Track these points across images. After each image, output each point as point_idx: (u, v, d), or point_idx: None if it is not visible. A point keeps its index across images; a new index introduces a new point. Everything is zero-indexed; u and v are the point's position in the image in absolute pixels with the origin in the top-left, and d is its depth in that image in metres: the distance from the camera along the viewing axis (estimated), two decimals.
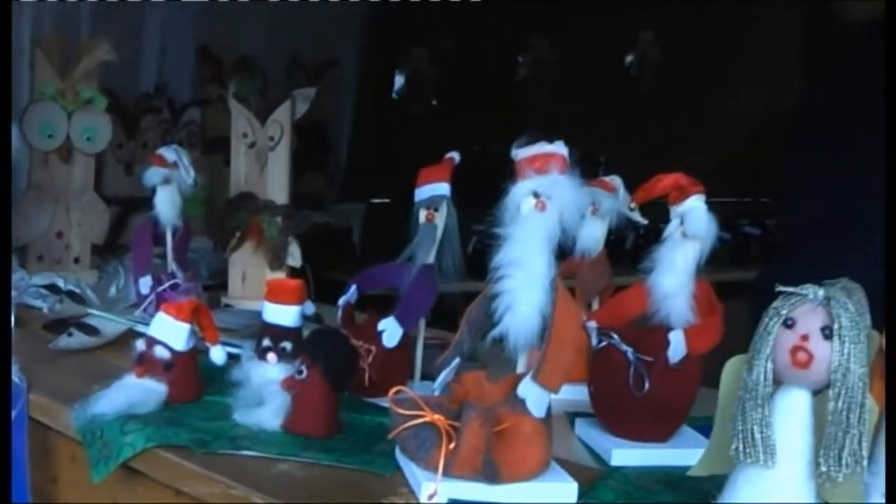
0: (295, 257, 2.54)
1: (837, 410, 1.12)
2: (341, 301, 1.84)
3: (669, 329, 1.56)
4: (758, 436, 1.14)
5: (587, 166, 4.72)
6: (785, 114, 3.40)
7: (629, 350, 1.57)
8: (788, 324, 1.14)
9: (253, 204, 2.55)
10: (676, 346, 1.54)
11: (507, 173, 3.04)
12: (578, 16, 4.83)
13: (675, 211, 1.61)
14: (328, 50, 3.98)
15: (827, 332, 1.13)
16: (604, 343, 1.61)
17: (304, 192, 3.34)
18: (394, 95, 4.76)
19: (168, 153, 2.24)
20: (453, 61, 4.72)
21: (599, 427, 1.64)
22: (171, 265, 2.27)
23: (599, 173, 5.32)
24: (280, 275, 2.48)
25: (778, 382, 1.16)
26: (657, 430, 1.59)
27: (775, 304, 1.15)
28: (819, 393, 1.16)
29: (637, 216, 1.99)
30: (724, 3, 4.82)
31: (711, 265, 4.45)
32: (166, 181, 2.23)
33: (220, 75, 3.37)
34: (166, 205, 2.24)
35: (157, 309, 2.11)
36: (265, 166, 2.55)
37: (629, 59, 5.23)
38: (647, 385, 1.55)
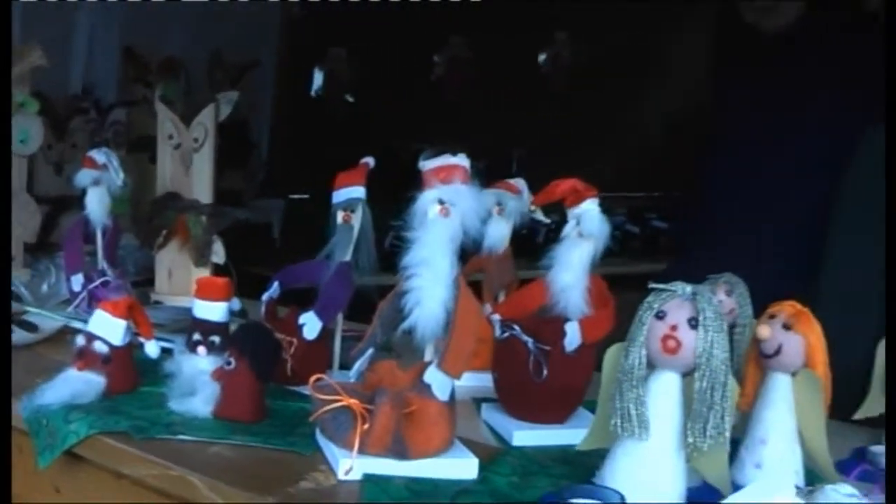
0: (219, 254, 2.65)
1: (702, 390, 1.29)
2: (264, 297, 1.96)
3: (566, 320, 1.70)
4: (633, 413, 1.31)
5: (503, 161, 4.86)
6: (695, 114, 3.58)
7: (529, 340, 1.72)
8: (660, 316, 1.31)
9: (178, 203, 2.64)
10: (572, 336, 1.69)
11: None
12: (494, 15, 4.91)
13: (572, 213, 1.76)
14: (249, 49, 4.04)
15: (693, 323, 1.30)
16: (507, 334, 1.75)
17: (225, 189, 3.44)
18: (312, 93, 4.86)
19: (98, 155, 2.34)
20: (370, 60, 4.79)
21: (503, 411, 1.78)
22: (102, 263, 2.36)
23: (513, 167, 5.46)
24: (205, 271, 2.58)
25: (651, 366, 1.33)
26: (555, 412, 1.74)
27: (648, 298, 1.32)
28: (687, 375, 1.33)
29: (540, 215, 2.14)
30: (637, 4, 4.97)
31: (622, 257, 4.67)
32: (96, 182, 2.32)
33: (145, 76, 3.46)
34: (96, 205, 2.34)
35: (88, 306, 2.22)
36: (190, 167, 2.66)
37: (542, 57, 5.36)
38: (545, 372, 1.70)
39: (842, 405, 1.77)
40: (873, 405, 1.84)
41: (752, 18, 3.17)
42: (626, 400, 1.31)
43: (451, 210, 1.50)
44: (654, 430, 1.31)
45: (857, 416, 1.87)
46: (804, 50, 3.06)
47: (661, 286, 1.32)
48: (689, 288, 1.32)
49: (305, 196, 4.46)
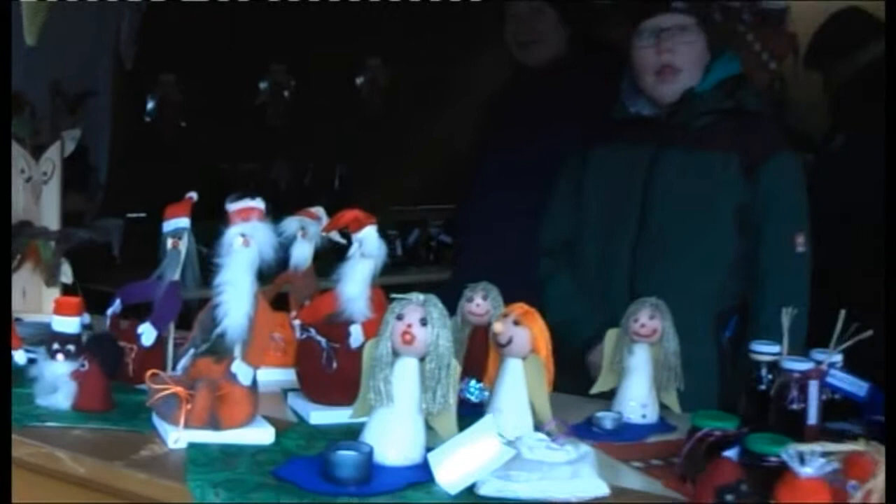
0: (67, 275, 3.03)
1: (432, 370, 1.81)
2: (109, 311, 2.39)
3: (351, 323, 2.17)
4: (382, 388, 1.81)
5: (326, 177, 5.27)
6: (474, 140, 3.99)
7: (322, 340, 2.19)
8: (399, 317, 1.81)
9: (30, 230, 2.99)
10: (356, 336, 2.16)
11: (249, 184, 3.72)
12: (314, 41, 5.25)
13: (356, 237, 2.23)
14: (86, 76, 4.25)
15: (423, 322, 1.80)
16: (305, 335, 2.22)
17: (68, 211, 3.71)
18: (146, 118, 5.11)
19: None
20: (199, 86, 5.05)
21: (304, 397, 2.25)
22: None
23: (336, 183, 5.85)
24: (55, 290, 2.97)
25: (395, 354, 1.83)
26: (343, 396, 2.13)
27: (392, 305, 1.82)
28: (422, 360, 1.83)
29: (336, 237, 2.57)
30: (440, 34, 5.30)
31: (414, 266, 5.10)
32: None
33: None
34: None
35: None
36: (40, 197, 3.04)
37: (359, 80, 5.67)
38: (335, 364, 2.17)
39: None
40: (605, 382, 2.38)
41: (518, 55, 3.58)
42: (377, 379, 1.81)
43: (251, 242, 1.97)
44: (398, 400, 1.82)
45: (593, 391, 2.40)
46: (554, 83, 3.45)
47: (402, 296, 1.83)
48: (421, 296, 1.83)
49: (142, 215, 4.72)
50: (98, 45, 4.47)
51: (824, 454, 1.52)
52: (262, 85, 5.45)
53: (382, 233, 2.74)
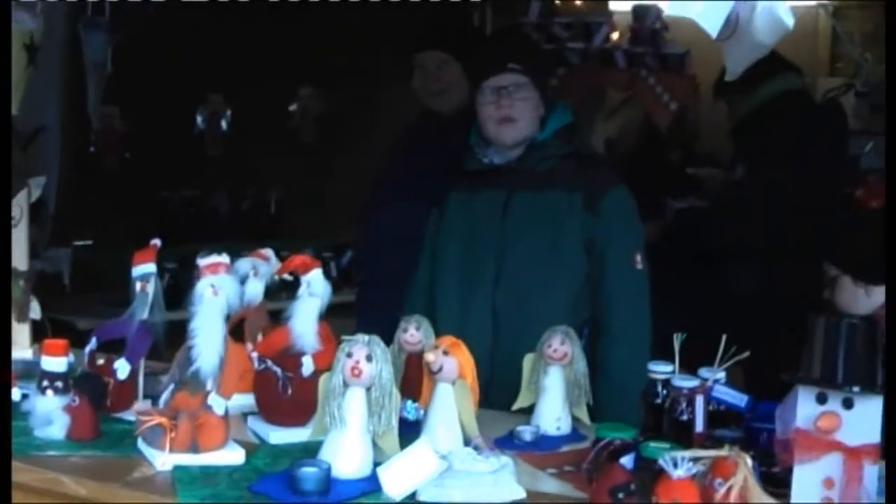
0: (35, 311, 3.30)
1: (376, 398, 2.16)
2: (87, 349, 2.67)
3: (303, 354, 2.49)
4: (336, 413, 2.16)
5: (262, 203, 5.54)
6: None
7: (278, 369, 2.51)
8: (349, 355, 2.16)
9: None
10: (307, 366, 2.49)
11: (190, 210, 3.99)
12: (250, 72, 5.50)
13: (303, 279, 2.55)
14: (38, 112, 4.30)
15: (369, 358, 2.16)
16: (262, 366, 2.54)
17: None
18: (91, 149, 5.20)
19: None
20: (141, 118, 5.24)
21: (263, 420, 2.57)
22: None
23: (272, 208, 6.08)
24: (25, 326, 3.23)
25: (346, 385, 2.18)
26: (298, 419, 2.49)
27: (342, 344, 2.17)
28: (369, 389, 2.18)
29: (287, 276, 2.85)
30: (368, 65, 5.59)
31: (348, 287, 5.11)
32: None
33: None
34: None
35: None
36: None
37: (292, 108, 5.90)
38: (289, 391, 2.50)
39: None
40: (524, 399, 2.73)
41: (426, 102, 3.78)
42: (331, 406, 2.17)
43: (219, 292, 2.31)
44: (349, 423, 2.17)
45: (513, 408, 2.75)
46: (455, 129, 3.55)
47: (350, 337, 2.18)
48: (366, 337, 2.18)
49: (89, 242, 5.00)
50: (48, 79, 4.63)
51: (694, 459, 1.90)
52: (200, 115, 5.63)
53: (317, 254, 3.07)
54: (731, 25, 1.96)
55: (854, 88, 5.61)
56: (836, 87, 5.69)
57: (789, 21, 2.03)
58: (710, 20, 1.90)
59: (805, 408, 2.03)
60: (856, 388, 2.01)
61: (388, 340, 2.47)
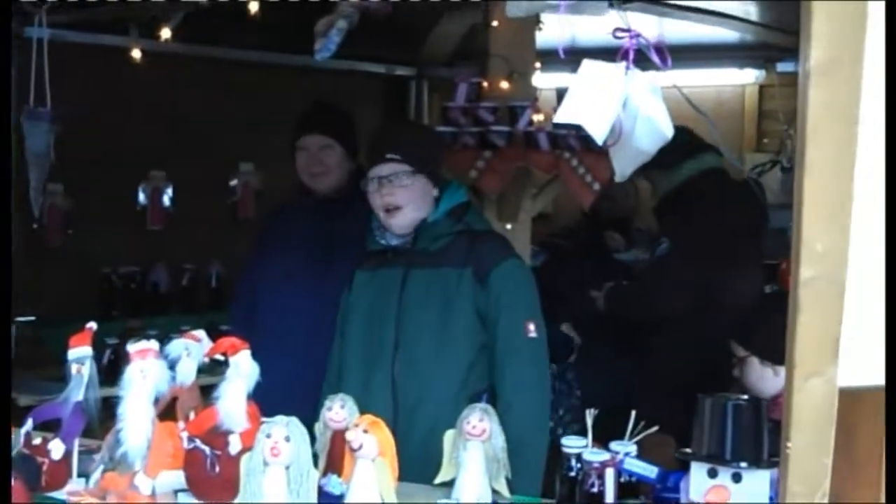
0: None
1: (296, 474, 2.30)
2: (23, 431, 2.76)
3: (230, 432, 2.58)
4: (257, 491, 2.27)
5: (203, 276, 5.62)
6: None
7: (206, 448, 2.59)
8: (268, 436, 2.28)
9: None
10: (234, 444, 2.57)
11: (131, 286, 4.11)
12: (190, 147, 5.68)
13: (232, 360, 2.67)
14: None
15: (287, 439, 2.28)
16: (192, 445, 2.63)
17: None
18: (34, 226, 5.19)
19: None
20: (84, 194, 5.35)
21: (193, 496, 2.64)
22: None
23: (213, 282, 6.12)
24: None
25: (266, 464, 2.29)
26: (226, 495, 2.57)
27: (262, 427, 2.30)
28: (288, 468, 2.30)
29: (219, 356, 2.96)
30: None
31: None
32: None
33: None
34: None
35: None
36: None
37: (233, 183, 5.89)
38: (217, 469, 2.58)
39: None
40: (446, 473, 2.83)
41: (308, 182, 3.93)
42: (252, 484, 2.28)
43: (147, 376, 2.43)
44: (270, 500, 2.29)
45: (435, 482, 2.86)
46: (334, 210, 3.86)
47: (269, 420, 2.30)
48: (285, 419, 2.31)
49: (32, 318, 5.06)
50: None
51: None
52: (142, 191, 5.66)
53: None
54: (616, 134, 2.12)
55: (780, 164, 5.83)
56: (762, 163, 5.95)
57: (669, 132, 2.20)
58: (597, 128, 2.06)
59: (697, 482, 2.19)
60: (743, 464, 2.17)
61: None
